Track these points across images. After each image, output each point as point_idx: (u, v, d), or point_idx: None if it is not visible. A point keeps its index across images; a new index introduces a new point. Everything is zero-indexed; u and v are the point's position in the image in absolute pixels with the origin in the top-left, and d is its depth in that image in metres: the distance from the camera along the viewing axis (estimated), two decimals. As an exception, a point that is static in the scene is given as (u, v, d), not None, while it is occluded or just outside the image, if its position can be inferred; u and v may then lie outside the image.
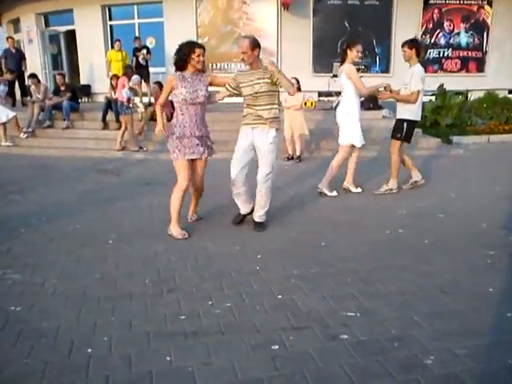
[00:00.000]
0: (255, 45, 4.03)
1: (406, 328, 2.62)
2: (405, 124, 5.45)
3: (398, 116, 5.53)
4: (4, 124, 9.33)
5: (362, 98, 5.69)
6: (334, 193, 5.59)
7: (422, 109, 5.59)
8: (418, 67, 5.30)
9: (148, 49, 11.51)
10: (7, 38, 12.36)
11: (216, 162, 4.97)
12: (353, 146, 5.56)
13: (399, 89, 5.56)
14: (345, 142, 5.53)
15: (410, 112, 5.40)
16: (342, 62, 5.47)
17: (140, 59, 11.17)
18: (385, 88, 5.47)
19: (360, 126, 5.49)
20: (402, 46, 5.36)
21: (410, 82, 5.28)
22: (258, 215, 4.40)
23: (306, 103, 10.75)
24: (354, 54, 5.29)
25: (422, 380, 2.16)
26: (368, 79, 5.54)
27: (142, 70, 11.20)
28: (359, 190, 5.74)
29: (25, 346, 2.49)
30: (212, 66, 12.40)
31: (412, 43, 5.34)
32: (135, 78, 9.10)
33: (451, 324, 2.66)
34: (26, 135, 9.58)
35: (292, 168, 7.44)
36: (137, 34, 12.60)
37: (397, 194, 5.63)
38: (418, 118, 5.54)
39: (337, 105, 10.28)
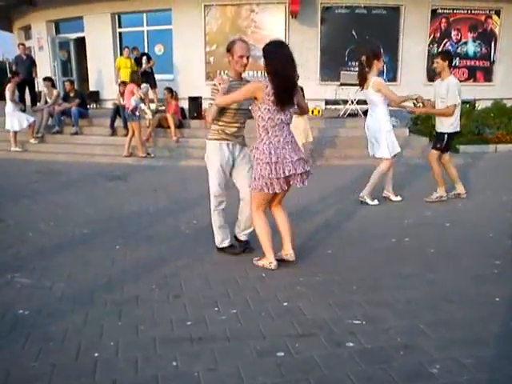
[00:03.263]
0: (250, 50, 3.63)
1: (412, 336, 2.62)
2: (446, 136, 5.49)
3: (440, 130, 5.53)
4: (30, 126, 9.47)
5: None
6: (376, 201, 5.54)
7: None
8: (454, 80, 5.30)
9: (148, 55, 11.60)
10: (18, 45, 12.47)
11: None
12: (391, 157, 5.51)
13: (429, 100, 5.60)
14: (384, 154, 5.47)
15: (450, 125, 5.43)
16: (365, 72, 5.36)
17: (144, 67, 11.26)
18: (416, 100, 5.47)
19: (392, 135, 5.46)
20: (435, 57, 5.39)
21: (447, 95, 5.25)
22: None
23: (312, 111, 10.80)
24: (380, 63, 5.31)
25: (427, 389, 2.16)
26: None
27: (148, 77, 11.31)
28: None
29: (33, 348, 2.52)
30: (220, 73, 12.48)
31: (446, 55, 5.40)
32: (144, 86, 9.20)
33: (457, 333, 2.66)
34: (36, 140, 9.68)
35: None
36: (141, 43, 12.80)
37: (403, 203, 5.62)
38: (458, 129, 5.59)
39: (344, 113, 10.43)
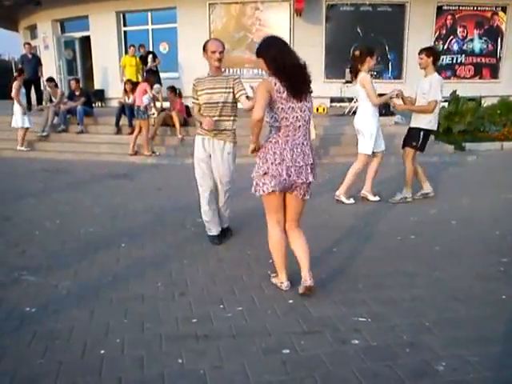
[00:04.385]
0: (224, 47, 3.90)
1: (417, 334, 2.61)
2: (421, 133, 5.38)
3: (415, 125, 5.44)
4: (25, 129, 9.47)
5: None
6: (352, 200, 5.55)
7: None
8: (438, 77, 5.22)
9: (154, 54, 11.61)
10: (24, 44, 12.51)
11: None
12: (373, 154, 5.53)
13: (409, 96, 5.54)
14: (364, 150, 5.51)
15: (427, 122, 5.34)
16: (358, 68, 5.37)
17: (150, 65, 11.27)
18: (397, 95, 5.43)
19: (376, 133, 5.45)
20: (420, 53, 5.29)
21: (429, 91, 5.18)
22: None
23: (317, 109, 10.79)
24: (373, 61, 5.33)
25: (433, 386, 2.16)
26: (380, 85, 5.50)
27: (154, 76, 11.32)
28: (377, 198, 5.63)
29: (39, 346, 2.53)
30: (224, 71, 12.49)
31: (430, 51, 5.32)
32: (157, 87, 9.26)
33: (463, 331, 2.65)
34: (25, 149, 9.57)
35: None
36: (146, 41, 12.81)
37: (409, 201, 5.59)
38: (435, 128, 5.51)
39: (349, 111, 10.40)
